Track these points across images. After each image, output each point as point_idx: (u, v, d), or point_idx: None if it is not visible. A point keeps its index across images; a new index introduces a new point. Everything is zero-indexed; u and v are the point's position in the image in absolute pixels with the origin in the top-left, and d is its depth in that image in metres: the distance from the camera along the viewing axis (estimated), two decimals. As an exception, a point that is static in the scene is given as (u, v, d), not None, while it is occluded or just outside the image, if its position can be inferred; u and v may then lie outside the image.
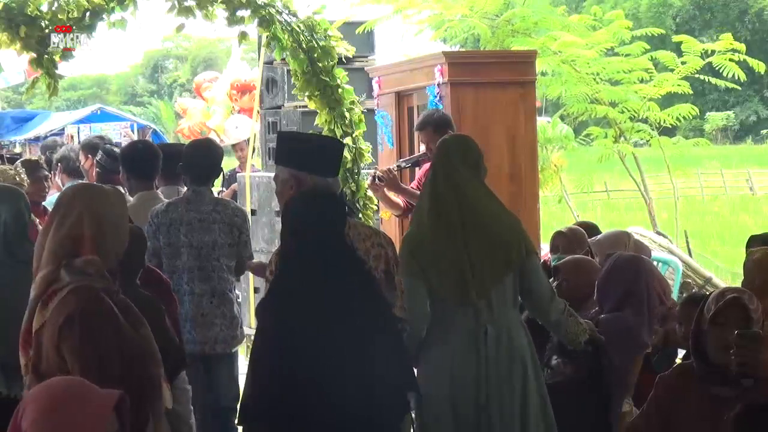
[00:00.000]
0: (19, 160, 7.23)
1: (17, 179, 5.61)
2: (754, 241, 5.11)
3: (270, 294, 3.55)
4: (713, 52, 11.39)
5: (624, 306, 4.61)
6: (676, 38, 12.14)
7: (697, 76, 11.57)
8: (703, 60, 11.25)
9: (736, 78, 11.23)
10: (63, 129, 13.66)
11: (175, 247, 5.27)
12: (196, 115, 14.64)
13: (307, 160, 3.93)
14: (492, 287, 4.07)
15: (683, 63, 11.32)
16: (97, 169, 6.99)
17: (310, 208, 3.56)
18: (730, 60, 11.20)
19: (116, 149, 6.65)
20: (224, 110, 14.23)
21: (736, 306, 3.40)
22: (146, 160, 5.81)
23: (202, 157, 5.46)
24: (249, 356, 3.67)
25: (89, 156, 6.98)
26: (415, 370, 4.08)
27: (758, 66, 11.77)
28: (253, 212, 8.42)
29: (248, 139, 12.36)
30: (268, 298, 3.53)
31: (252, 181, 8.76)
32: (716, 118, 50.96)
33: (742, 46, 11.44)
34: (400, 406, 3.53)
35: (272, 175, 8.97)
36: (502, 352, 4.08)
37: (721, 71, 11.35)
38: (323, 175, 3.91)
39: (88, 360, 2.98)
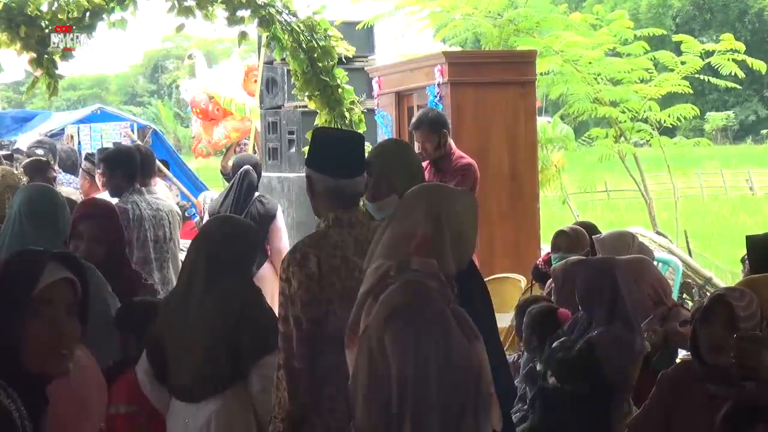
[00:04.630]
0: (27, 160, 7.18)
1: (22, 180, 5.66)
2: (751, 241, 5.08)
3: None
4: (713, 52, 11.39)
5: (613, 318, 4.59)
6: (676, 38, 12.14)
7: (696, 76, 11.57)
8: (703, 60, 11.25)
9: (736, 76, 11.23)
10: (63, 129, 13.63)
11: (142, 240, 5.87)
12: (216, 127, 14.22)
13: (315, 159, 3.64)
14: None
15: (682, 63, 11.32)
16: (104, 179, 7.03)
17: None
18: (731, 60, 11.21)
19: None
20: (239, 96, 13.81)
21: (721, 304, 3.38)
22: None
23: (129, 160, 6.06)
24: None
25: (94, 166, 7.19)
26: None
27: (758, 65, 11.77)
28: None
29: (248, 139, 12.37)
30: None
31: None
32: (716, 118, 50.96)
33: (742, 46, 11.45)
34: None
35: (272, 175, 9.05)
36: None
37: (719, 69, 11.35)
38: (333, 177, 3.57)
39: (407, 355, 2.83)
